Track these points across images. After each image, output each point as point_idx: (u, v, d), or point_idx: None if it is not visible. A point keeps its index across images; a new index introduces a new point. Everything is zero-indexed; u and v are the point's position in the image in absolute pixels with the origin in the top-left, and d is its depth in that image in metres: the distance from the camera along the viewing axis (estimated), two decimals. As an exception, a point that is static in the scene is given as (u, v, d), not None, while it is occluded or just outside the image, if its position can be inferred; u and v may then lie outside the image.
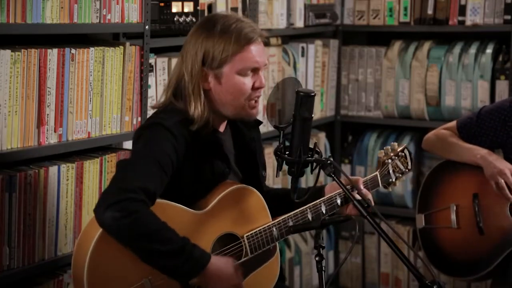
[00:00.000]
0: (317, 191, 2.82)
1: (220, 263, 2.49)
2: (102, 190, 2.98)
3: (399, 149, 3.00)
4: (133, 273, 2.41)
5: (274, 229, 2.64)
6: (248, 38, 2.57)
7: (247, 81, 2.60)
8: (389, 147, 3.00)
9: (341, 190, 2.75)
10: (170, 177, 2.51)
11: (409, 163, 3.02)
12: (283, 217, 2.67)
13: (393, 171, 2.96)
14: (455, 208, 3.43)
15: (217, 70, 2.58)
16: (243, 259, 2.60)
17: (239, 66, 2.58)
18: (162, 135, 2.51)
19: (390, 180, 2.96)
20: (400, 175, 2.99)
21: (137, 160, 2.50)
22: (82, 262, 2.37)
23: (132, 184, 2.38)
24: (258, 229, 2.63)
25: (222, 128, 2.71)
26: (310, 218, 2.70)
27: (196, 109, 2.58)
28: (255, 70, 2.61)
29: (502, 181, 3.28)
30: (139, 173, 2.43)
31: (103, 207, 2.35)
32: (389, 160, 2.95)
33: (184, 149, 2.54)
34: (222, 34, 2.57)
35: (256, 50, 2.60)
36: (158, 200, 2.46)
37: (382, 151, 2.98)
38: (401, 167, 2.98)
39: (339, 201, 2.77)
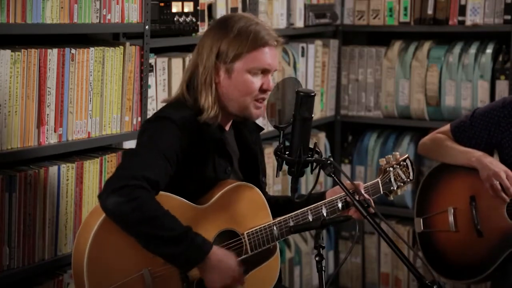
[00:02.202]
0: (318, 196, 2.83)
1: (222, 254, 2.50)
2: (102, 190, 2.98)
3: (401, 159, 3.01)
4: (132, 264, 2.42)
5: (274, 228, 2.65)
6: (264, 40, 2.62)
7: (256, 81, 2.63)
8: (391, 156, 3.01)
9: (342, 194, 2.76)
10: (174, 170, 2.52)
11: (411, 174, 3.03)
12: (283, 217, 2.68)
13: (395, 179, 2.98)
14: (452, 211, 3.43)
15: (229, 64, 2.62)
16: (243, 256, 2.60)
17: (251, 65, 2.62)
18: (168, 128, 2.54)
19: (392, 188, 2.98)
20: (402, 184, 3.00)
21: (142, 150, 2.53)
22: (82, 253, 2.39)
23: (136, 172, 2.42)
24: (259, 227, 2.63)
25: (227, 127, 2.73)
26: (311, 220, 2.71)
27: (206, 100, 2.61)
28: (265, 72, 2.65)
29: (497, 183, 3.28)
30: (143, 163, 2.46)
31: (106, 193, 2.39)
32: (391, 168, 2.97)
33: (189, 144, 2.56)
34: (239, 33, 2.61)
35: (269, 53, 2.64)
36: (160, 192, 2.48)
37: (384, 159, 2.99)
38: (403, 176, 2.99)
39: (340, 205, 2.77)
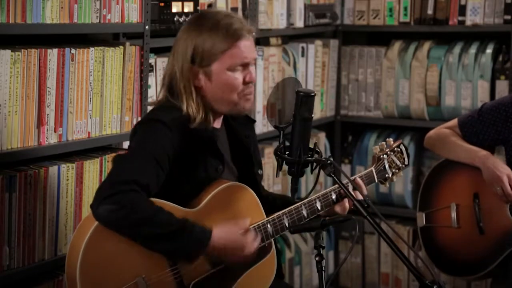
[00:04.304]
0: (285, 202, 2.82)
1: (224, 233, 2.49)
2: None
3: (394, 145, 3.00)
4: (126, 272, 2.42)
5: (268, 226, 2.64)
6: (237, 34, 2.59)
7: (238, 76, 2.61)
8: (384, 143, 3.00)
9: (335, 186, 2.76)
10: (167, 173, 2.52)
11: (406, 159, 3.01)
12: (277, 213, 2.67)
13: (389, 166, 2.96)
14: (455, 207, 3.43)
15: (206, 67, 2.60)
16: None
17: (229, 63, 2.59)
18: (158, 130, 2.53)
19: (387, 175, 2.96)
20: (397, 170, 2.98)
21: (132, 155, 2.53)
22: (75, 261, 2.38)
23: (125, 178, 2.41)
24: (252, 226, 2.62)
25: (217, 124, 2.71)
26: (305, 215, 2.70)
27: (189, 106, 2.59)
28: (245, 65, 2.63)
29: (500, 188, 3.27)
30: (133, 167, 2.46)
31: (98, 202, 2.39)
32: (385, 156, 2.95)
33: (180, 145, 2.55)
34: (210, 31, 2.59)
35: (244, 46, 2.61)
36: (151, 199, 2.47)
37: (377, 146, 2.98)
38: (398, 162, 2.98)
39: (334, 197, 2.77)
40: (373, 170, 2.93)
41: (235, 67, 2.60)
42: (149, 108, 2.75)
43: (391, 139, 3.01)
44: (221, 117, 2.72)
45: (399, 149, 3.00)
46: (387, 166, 2.95)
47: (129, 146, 2.61)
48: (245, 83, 2.62)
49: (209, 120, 2.62)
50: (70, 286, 2.43)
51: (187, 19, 3.42)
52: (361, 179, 2.86)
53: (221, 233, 2.49)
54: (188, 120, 2.58)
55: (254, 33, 2.66)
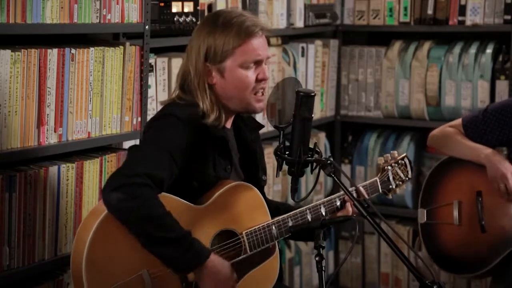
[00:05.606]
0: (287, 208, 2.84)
1: (218, 261, 2.50)
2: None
3: (399, 157, 3.02)
4: (131, 264, 2.42)
5: (273, 227, 2.65)
6: (249, 31, 2.61)
7: (250, 74, 2.63)
8: (389, 154, 3.02)
9: (341, 192, 2.77)
10: (180, 168, 2.52)
11: (409, 172, 3.04)
12: (282, 216, 2.68)
13: (393, 178, 2.98)
14: (458, 205, 3.43)
15: (219, 64, 2.61)
16: (242, 256, 2.60)
17: (241, 59, 2.61)
18: (173, 125, 2.54)
19: (390, 186, 2.98)
20: (400, 183, 3.01)
21: (147, 147, 2.54)
22: (80, 254, 2.39)
23: (139, 170, 2.42)
24: (258, 226, 2.63)
25: (228, 125, 2.73)
26: (310, 219, 2.71)
27: (204, 103, 2.61)
28: (258, 63, 2.64)
29: (503, 185, 3.28)
30: (148, 160, 2.46)
31: (110, 188, 2.39)
32: (389, 167, 2.97)
33: (193, 142, 2.56)
34: (223, 28, 2.61)
35: (257, 43, 2.62)
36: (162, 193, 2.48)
37: (382, 158, 3.01)
38: (401, 175, 3.00)
39: (338, 203, 2.78)
40: (378, 180, 2.95)
41: (248, 64, 2.61)
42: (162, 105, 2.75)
43: (395, 152, 3.04)
44: (232, 118, 2.73)
45: (403, 162, 3.02)
46: (391, 177, 2.97)
47: (144, 138, 2.63)
48: (257, 80, 2.64)
49: (222, 118, 2.63)
50: (75, 279, 2.43)
51: (187, 19, 3.42)
52: (365, 188, 2.88)
53: (217, 259, 2.49)
54: (202, 117, 2.60)
55: (267, 32, 2.67)
